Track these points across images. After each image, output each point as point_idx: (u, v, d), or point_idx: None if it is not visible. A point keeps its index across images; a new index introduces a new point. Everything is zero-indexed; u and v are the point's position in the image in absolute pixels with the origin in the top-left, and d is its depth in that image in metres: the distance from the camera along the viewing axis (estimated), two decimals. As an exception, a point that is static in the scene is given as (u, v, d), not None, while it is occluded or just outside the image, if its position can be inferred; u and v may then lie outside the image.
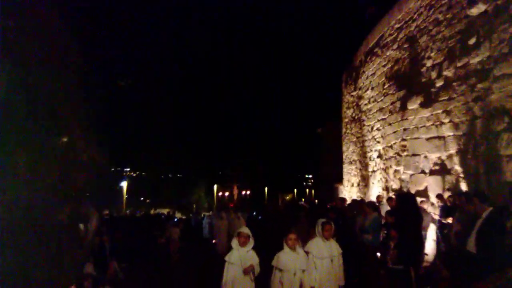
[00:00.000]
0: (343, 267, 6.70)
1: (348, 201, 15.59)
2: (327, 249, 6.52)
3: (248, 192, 71.89)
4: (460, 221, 7.49)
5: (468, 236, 6.57)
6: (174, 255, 14.61)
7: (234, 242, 6.32)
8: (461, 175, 9.88)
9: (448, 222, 9.09)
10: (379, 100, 15.75)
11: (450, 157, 10.39)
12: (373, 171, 16.62)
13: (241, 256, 6.10)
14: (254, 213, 29.25)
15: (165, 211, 33.22)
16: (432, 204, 11.16)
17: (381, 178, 15.57)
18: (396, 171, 13.77)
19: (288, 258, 6.08)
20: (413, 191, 11.91)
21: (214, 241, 15.71)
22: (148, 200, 64.59)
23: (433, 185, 11.21)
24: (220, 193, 66.92)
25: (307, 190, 73.52)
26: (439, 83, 10.88)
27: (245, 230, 6.36)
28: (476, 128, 9.17)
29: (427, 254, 10.23)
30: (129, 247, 13.49)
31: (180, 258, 14.53)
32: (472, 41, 9.43)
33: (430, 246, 10.51)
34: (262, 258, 6.32)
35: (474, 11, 9.32)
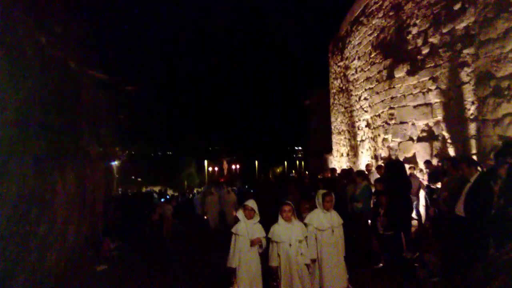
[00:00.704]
0: (343, 238, 6.57)
1: (338, 171, 15.77)
2: (328, 220, 6.41)
3: (238, 166, 72.16)
4: (448, 186, 7.63)
5: (456, 200, 6.71)
6: (167, 231, 14.70)
7: (241, 214, 6.22)
8: (449, 140, 10.01)
9: (437, 187, 9.26)
10: (366, 69, 15.74)
11: (437, 123, 10.50)
12: (362, 140, 16.75)
13: (248, 228, 6.03)
14: (246, 187, 29.50)
15: (156, 189, 33.29)
16: (421, 170, 11.34)
17: (369, 147, 15.71)
18: (384, 139, 13.90)
19: (283, 230, 6.01)
20: (401, 159, 12.07)
21: (206, 217, 15.85)
22: (139, 179, 64.54)
23: (421, 152, 11.36)
24: (210, 168, 67.05)
25: (297, 162, 73.92)
26: (425, 50, 10.89)
27: (250, 203, 6.20)
28: (463, 94, 9.25)
29: (416, 219, 10.46)
30: (122, 225, 13.56)
31: (174, 235, 14.64)
32: (457, 6, 9.41)
33: (419, 211, 10.74)
34: None
35: (459, -25, 9.26)
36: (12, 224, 5.49)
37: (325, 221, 6.39)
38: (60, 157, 7.74)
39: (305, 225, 6.37)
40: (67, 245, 8.06)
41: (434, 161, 10.54)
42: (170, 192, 31.26)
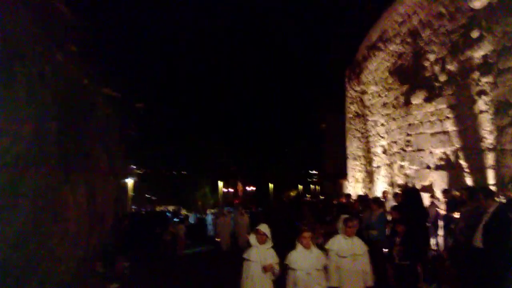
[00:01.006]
0: (370, 266, 6.16)
1: (354, 197, 15.59)
2: (350, 247, 6.08)
3: (253, 188, 71.89)
4: (465, 216, 7.48)
5: (474, 231, 6.56)
6: (180, 251, 14.66)
7: (253, 239, 5.99)
8: (466, 170, 9.85)
9: (455, 217, 9.07)
10: (383, 95, 15.70)
11: (454, 151, 10.36)
12: (378, 167, 16.59)
13: (260, 254, 5.80)
14: (260, 209, 29.31)
15: (171, 208, 33.30)
16: (438, 199, 11.14)
17: (386, 174, 15.54)
18: (401, 166, 13.74)
19: (301, 257, 5.73)
20: (418, 187, 11.89)
21: (217, 239, 15.74)
22: (153, 197, 64.76)
23: (438, 180, 11.19)
24: (225, 189, 66.94)
25: (312, 186, 73.39)
26: (443, 78, 10.84)
27: (262, 227, 5.97)
28: (481, 122, 9.13)
29: (434, 250, 10.24)
30: (135, 244, 13.55)
31: (186, 255, 14.61)
32: (475, 34, 9.38)
33: (438, 241, 10.51)
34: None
35: (477, 4, 9.26)
36: (25, 234, 5.56)
37: (346, 247, 6.09)
38: (71, 171, 7.84)
39: (325, 250, 6.18)
40: (77, 258, 8.08)
41: (454, 191, 10.36)
42: (184, 212, 31.24)
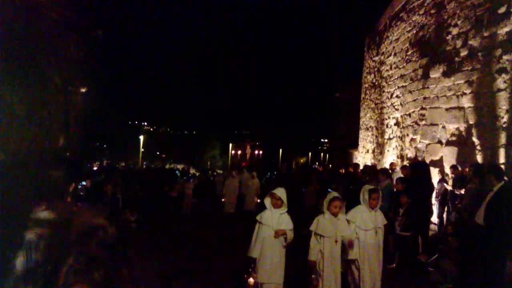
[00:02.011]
0: (382, 240, 5.99)
1: (362, 167, 15.62)
2: (373, 219, 5.79)
3: (261, 152, 72.24)
4: (470, 193, 7.49)
5: (477, 208, 6.58)
6: (186, 209, 14.91)
7: (267, 202, 5.72)
8: (478, 147, 9.77)
9: (461, 193, 9.09)
10: (401, 66, 15.43)
11: (468, 128, 10.25)
12: (389, 139, 16.51)
13: (273, 218, 5.54)
14: (270, 174, 29.53)
15: (180, 166, 33.74)
16: (447, 174, 11.12)
17: (396, 146, 15.49)
18: (412, 139, 13.66)
19: (329, 224, 5.45)
20: (428, 161, 11.86)
21: (223, 199, 15.55)
22: (163, 155, 65.58)
23: (449, 156, 11.13)
24: (233, 152, 67.40)
25: (322, 154, 73.53)
26: (464, 53, 10.59)
27: (278, 192, 5.68)
28: (498, 101, 8.98)
29: (436, 224, 10.31)
30: (142, 198, 13.80)
31: (192, 213, 14.85)
32: (502, 10, 9.08)
33: (443, 217, 10.57)
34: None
35: (508, -22, 8.93)
36: None
37: (369, 220, 5.81)
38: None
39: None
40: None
41: (460, 167, 10.32)
42: (192, 171, 31.64)
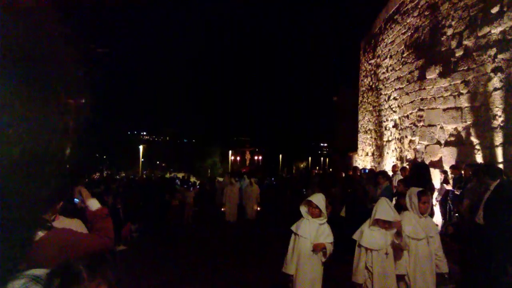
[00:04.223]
0: (442, 249, 5.02)
1: (361, 170, 15.61)
2: (423, 227, 4.85)
3: (260, 158, 72.22)
4: (469, 192, 7.50)
5: (477, 208, 6.59)
6: (188, 218, 14.89)
7: (304, 210, 5.06)
8: (477, 147, 9.79)
9: (461, 193, 9.09)
10: (397, 68, 15.49)
11: (466, 128, 10.28)
12: (388, 141, 16.54)
13: (311, 229, 4.90)
14: (271, 179, 29.55)
15: (180, 175, 33.75)
16: (446, 173, 11.13)
17: (395, 148, 15.51)
18: (411, 141, 13.69)
19: (378, 234, 4.67)
20: (427, 162, 11.87)
21: (223, 209, 15.21)
22: (163, 164, 65.60)
23: (448, 156, 11.15)
24: (232, 158, 67.37)
25: (322, 158, 73.55)
26: (459, 53, 10.64)
27: (315, 199, 4.99)
28: (494, 100, 9.01)
29: (437, 224, 10.29)
30: (143, 208, 13.79)
31: (194, 221, 14.82)
32: (495, 9, 9.14)
33: (446, 217, 10.57)
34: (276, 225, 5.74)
35: (500, -22, 8.99)
36: None
37: (420, 228, 4.84)
38: None
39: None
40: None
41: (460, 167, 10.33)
42: (192, 179, 31.63)
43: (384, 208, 4.78)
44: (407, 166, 12.17)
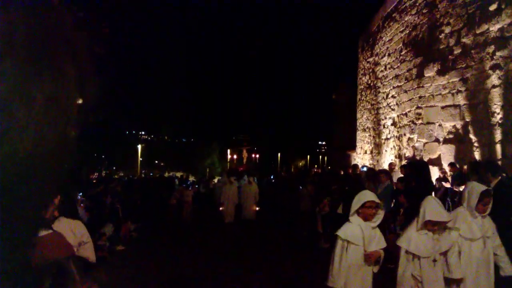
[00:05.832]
0: (503, 248, 4.55)
1: (360, 168, 15.62)
2: (480, 227, 4.38)
3: (258, 156, 72.13)
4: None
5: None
6: (187, 216, 14.88)
7: (354, 214, 4.26)
8: (475, 144, 9.81)
9: (460, 191, 9.10)
10: (395, 66, 15.50)
11: (465, 125, 10.30)
12: (387, 139, 16.55)
13: (363, 235, 4.11)
14: (271, 178, 29.56)
15: (178, 174, 33.76)
16: (445, 172, 11.15)
17: (394, 146, 15.52)
18: (409, 139, 13.70)
19: (423, 240, 4.12)
20: (426, 159, 11.89)
21: (221, 208, 15.04)
22: (162, 163, 65.56)
23: (446, 154, 11.17)
24: (230, 156, 67.31)
25: (320, 157, 73.59)
26: (457, 51, 10.66)
27: (371, 197, 4.24)
28: (493, 97, 9.03)
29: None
30: (142, 207, 13.78)
31: (192, 220, 14.81)
32: (493, 7, 9.16)
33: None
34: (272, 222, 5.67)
35: (497, -25, 9.01)
36: None
37: (476, 228, 4.38)
38: None
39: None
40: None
41: (458, 164, 10.36)
42: (191, 178, 31.64)
43: (434, 208, 4.23)
44: (406, 164, 12.19)
